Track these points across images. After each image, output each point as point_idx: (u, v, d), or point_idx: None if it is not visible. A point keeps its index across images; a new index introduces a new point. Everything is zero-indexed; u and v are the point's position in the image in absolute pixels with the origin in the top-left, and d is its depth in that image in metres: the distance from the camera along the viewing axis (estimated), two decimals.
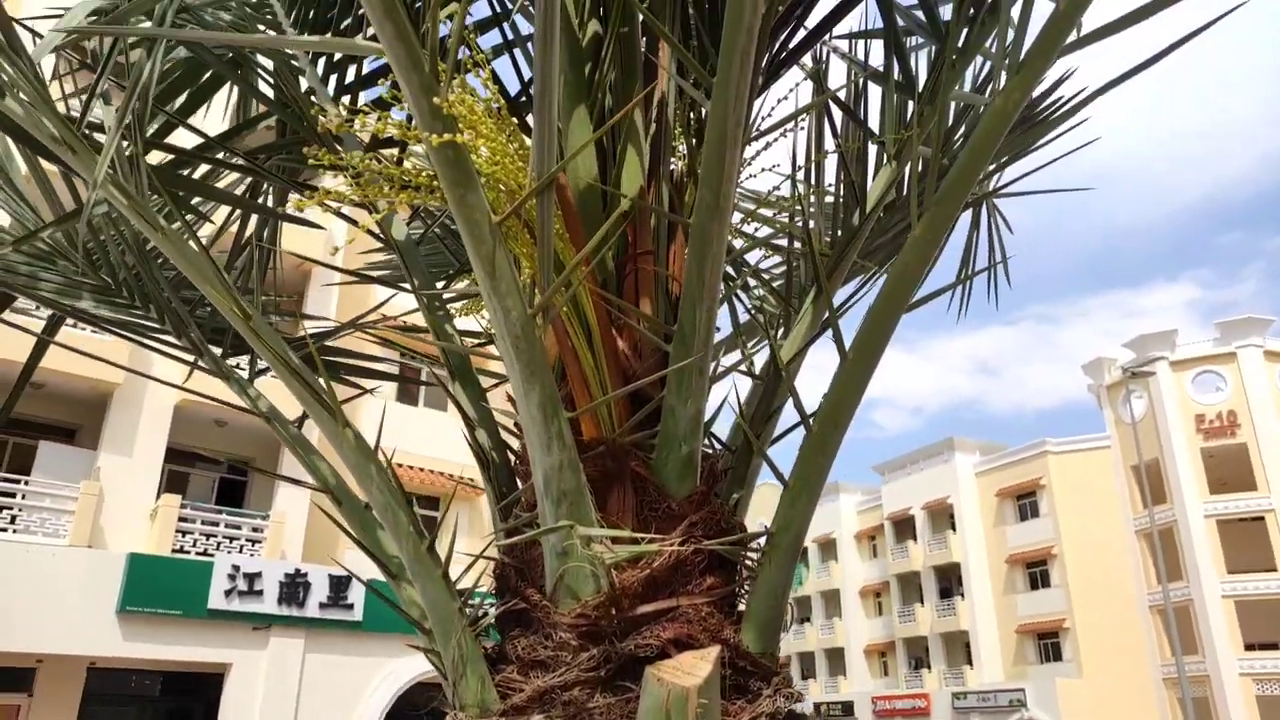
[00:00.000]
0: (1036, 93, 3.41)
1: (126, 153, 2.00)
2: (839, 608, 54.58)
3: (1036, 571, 44.71)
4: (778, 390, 2.10)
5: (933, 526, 49.05)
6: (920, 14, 2.54)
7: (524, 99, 2.39)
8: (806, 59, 2.84)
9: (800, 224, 2.64)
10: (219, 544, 18.17)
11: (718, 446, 2.08)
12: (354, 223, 2.21)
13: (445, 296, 2.34)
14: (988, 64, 2.55)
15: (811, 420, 1.79)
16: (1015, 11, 2.01)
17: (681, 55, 1.70)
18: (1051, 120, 3.37)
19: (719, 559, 1.77)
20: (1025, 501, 45.83)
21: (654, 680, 1.49)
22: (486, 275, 1.55)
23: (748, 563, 1.82)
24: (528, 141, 1.82)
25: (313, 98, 2.62)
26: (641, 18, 2.26)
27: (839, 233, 2.33)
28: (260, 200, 2.73)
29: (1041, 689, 41.02)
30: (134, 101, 1.85)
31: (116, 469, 17.35)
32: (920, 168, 1.93)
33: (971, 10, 2.40)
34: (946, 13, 2.58)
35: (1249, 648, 36.77)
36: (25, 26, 2.21)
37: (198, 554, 17.62)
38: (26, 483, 16.33)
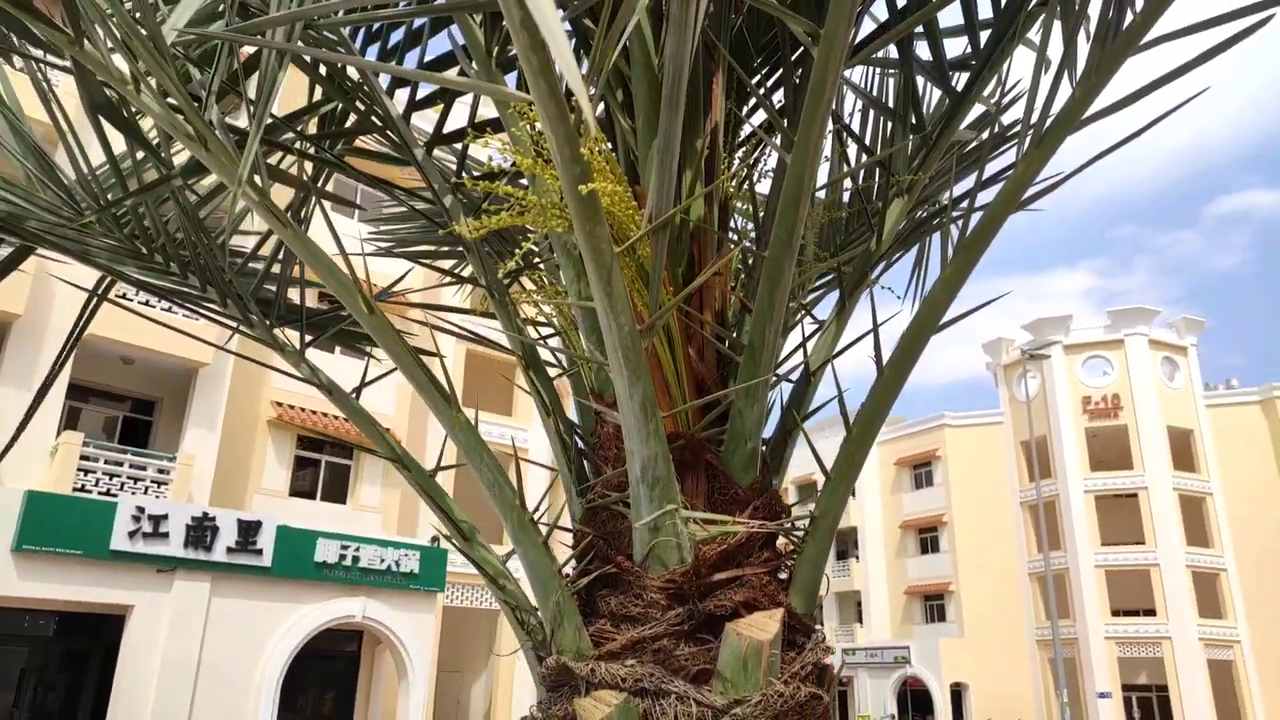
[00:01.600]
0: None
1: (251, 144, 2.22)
2: None
3: (927, 537, 47.18)
4: (806, 394, 2.48)
5: None
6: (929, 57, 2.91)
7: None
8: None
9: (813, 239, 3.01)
10: (123, 484, 17.82)
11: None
12: (440, 225, 2.47)
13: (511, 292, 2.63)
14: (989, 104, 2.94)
15: (853, 422, 2.17)
16: (1032, 80, 2.39)
17: (772, 117, 2.03)
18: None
19: (769, 536, 2.14)
20: (921, 471, 48.13)
21: (734, 634, 1.87)
22: (604, 295, 1.86)
23: (794, 539, 2.20)
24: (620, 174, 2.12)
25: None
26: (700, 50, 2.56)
27: (851, 243, 2.72)
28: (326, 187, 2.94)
29: (925, 647, 43.54)
30: (264, 111, 2.08)
31: (13, 403, 16.77)
32: (950, 212, 2.32)
33: (975, 62, 2.79)
34: (953, 47, 2.94)
35: (1115, 613, 39.83)
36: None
37: (100, 494, 17.25)
38: None
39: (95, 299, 2.97)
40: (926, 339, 2.15)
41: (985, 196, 2.88)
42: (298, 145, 2.78)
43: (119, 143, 2.84)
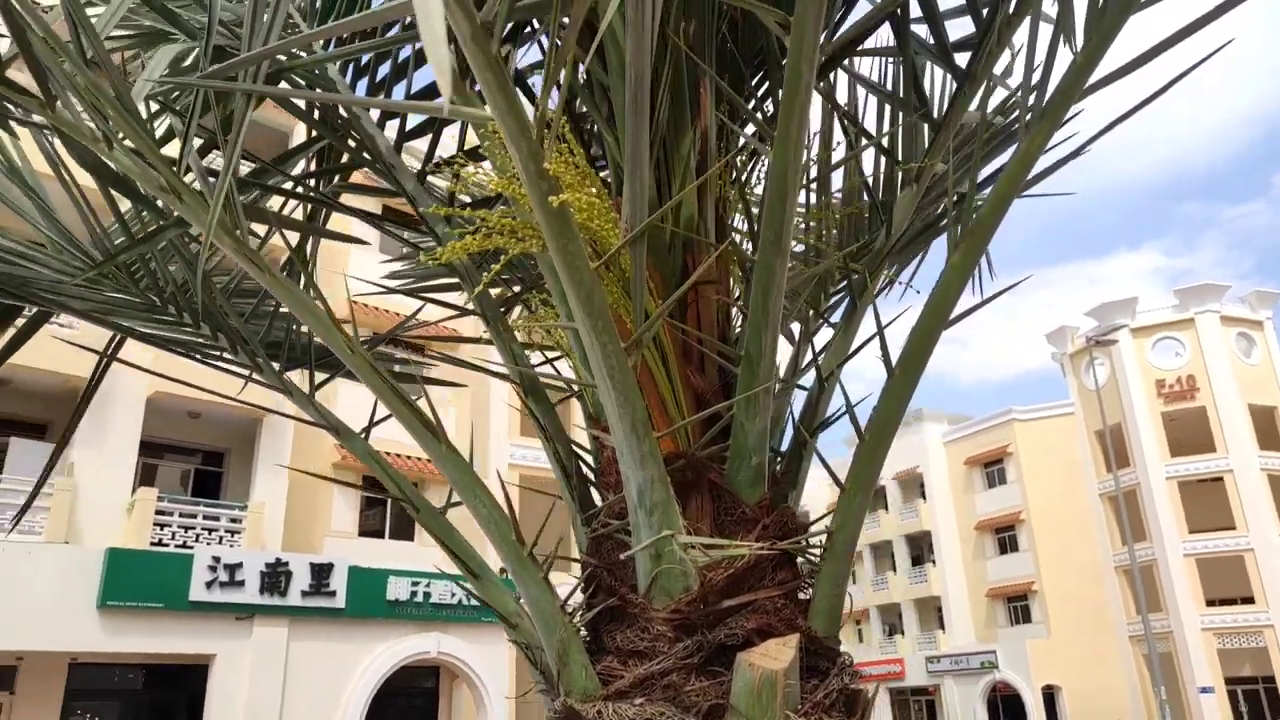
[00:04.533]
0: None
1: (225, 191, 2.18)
2: None
3: (1005, 537, 45.87)
4: (820, 400, 2.35)
5: (903, 496, 50.06)
6: (931, 39, 2.76)
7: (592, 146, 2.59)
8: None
9: (832, 240, 2.87)
10: (197, 535, 18.18)
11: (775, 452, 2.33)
12: (415, 248, 2.40)
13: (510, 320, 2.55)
14: (997, 88, 2.79)
15: (864, 430, 2.03)
16: (1026, 50, 2.24)
17: (740, 106, 1.92)
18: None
19: (786, 556, 2.01)
20: (993, 469, 46.90)
21: (746, 665, 1.74)
22: (585, 315, 1.77)
23: (811, 558, 2.07)
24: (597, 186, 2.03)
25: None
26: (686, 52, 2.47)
27: (866, 249, 2.58)
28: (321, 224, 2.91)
29: (1012, 650, 42.23)
30: (236, 154, 2.03)
31: (90, 463, 17.25)
32: (953, 198, 2.17)
33: (980, 39, 2.63)
34: (955, 29, 2.79)
35: (1210, 603, 38.13)
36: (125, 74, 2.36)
37: (177, 546, 17.63)
38: None
39: (106, 359, 2.96)
40: (937, 335, 2.01)
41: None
42: (290, 186, 2.75)
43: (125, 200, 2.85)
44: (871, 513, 51.05)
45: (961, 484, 47.84)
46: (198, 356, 3.06)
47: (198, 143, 2.44)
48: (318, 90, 2.66)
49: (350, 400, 18.28)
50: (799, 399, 2.42)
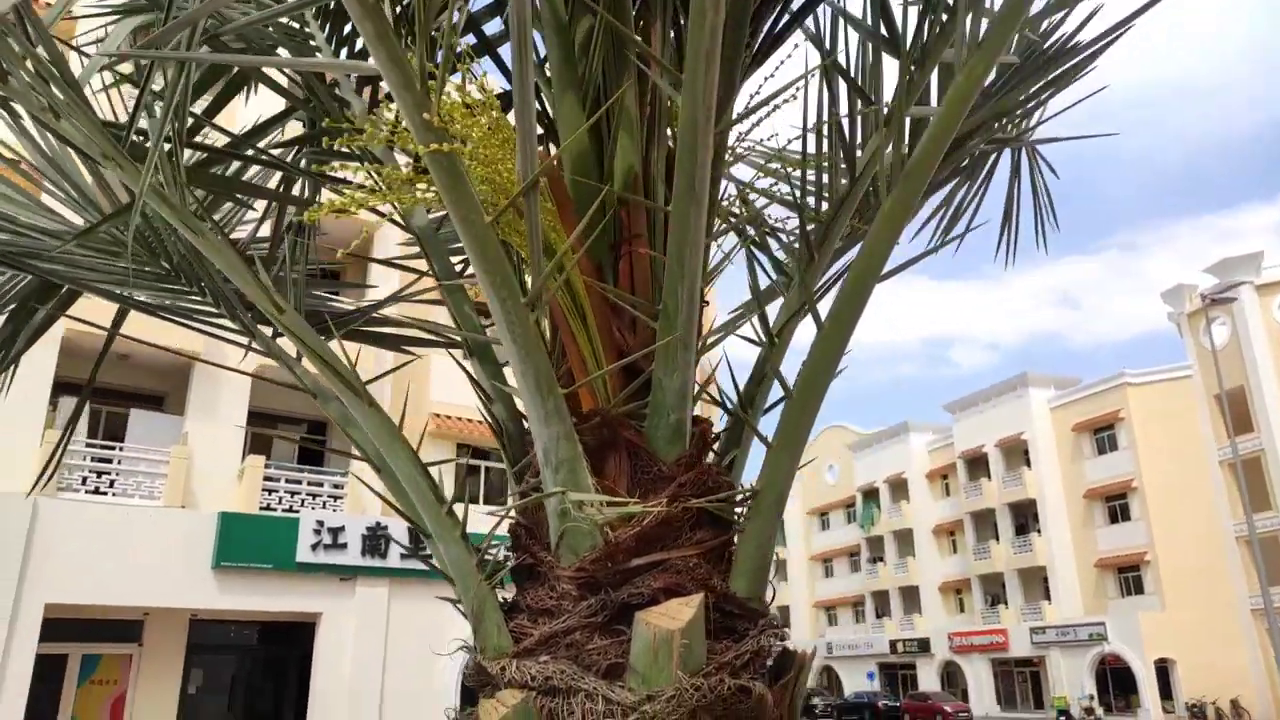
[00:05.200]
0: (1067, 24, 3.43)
1: (168, 154, 2.22)
2: (912, 547, 54.51)
3: (1115, 505, 43.93)
4: (769, 356, 2.25)
5: (1007, 463, 48.41)
6: None
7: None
8: (809, 22, 2.91)
9: (806, 186, 2.75)
10: (303, 501, 19.02)
11: (723, 409, 2.25)
12: (381, 214, 2.40)
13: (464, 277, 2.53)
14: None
15: (792, 387, 1.93)
16: None
17: (647, 54, 1.84)
18: (1075, 53, 3.39)
19: (710, 515, 1.94)
20: (1103, 435, 44.87)
21: (642, 624, 1.69)
22: (482, 270, 1.73)
23: (732, 517, 1.99)
24: None
25: (338, 92, 2.82)
26: (635, 7, 2.38)
27: (828, 200, 2.44)
28: (294, 190, 2.95)
29: (1123, 622, 40.58)
30: (170, 118, 2.06)
31: (203, 433, 18.23)
32: (891, 140, 2.02)
33: None
34: None
35: None
36: (74, 48, 2.44)
37: (284, 511, 18.50)
38: (121, 449, 17.32)
39: (111, 333, 3.08)
40: (869, 288, 1.88)
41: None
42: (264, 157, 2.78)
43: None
44: (973, 480, 49.67)
45: (1069, 451, 45.94)
46: (201, 326, 3.16)
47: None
48: (277, 55, 2.68)
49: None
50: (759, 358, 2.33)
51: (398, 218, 2.49)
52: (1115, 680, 41.77)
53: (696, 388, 2.12)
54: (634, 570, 1.81)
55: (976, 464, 50.60)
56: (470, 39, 2.81)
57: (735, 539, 1.96)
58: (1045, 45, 3.41)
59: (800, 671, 1.97)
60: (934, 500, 53.72)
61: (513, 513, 2.09)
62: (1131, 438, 42.83)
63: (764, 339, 2.23)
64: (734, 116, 2.64)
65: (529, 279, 1.80)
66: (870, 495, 57.84)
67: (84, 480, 16.70)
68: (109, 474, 17.01)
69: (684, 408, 1.93)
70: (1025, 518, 47.46)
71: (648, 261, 2.08)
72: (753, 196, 3.07)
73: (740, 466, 2.17)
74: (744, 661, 1.77)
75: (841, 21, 2.64)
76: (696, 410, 2.35)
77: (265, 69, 2.87)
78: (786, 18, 2.75)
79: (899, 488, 55.90)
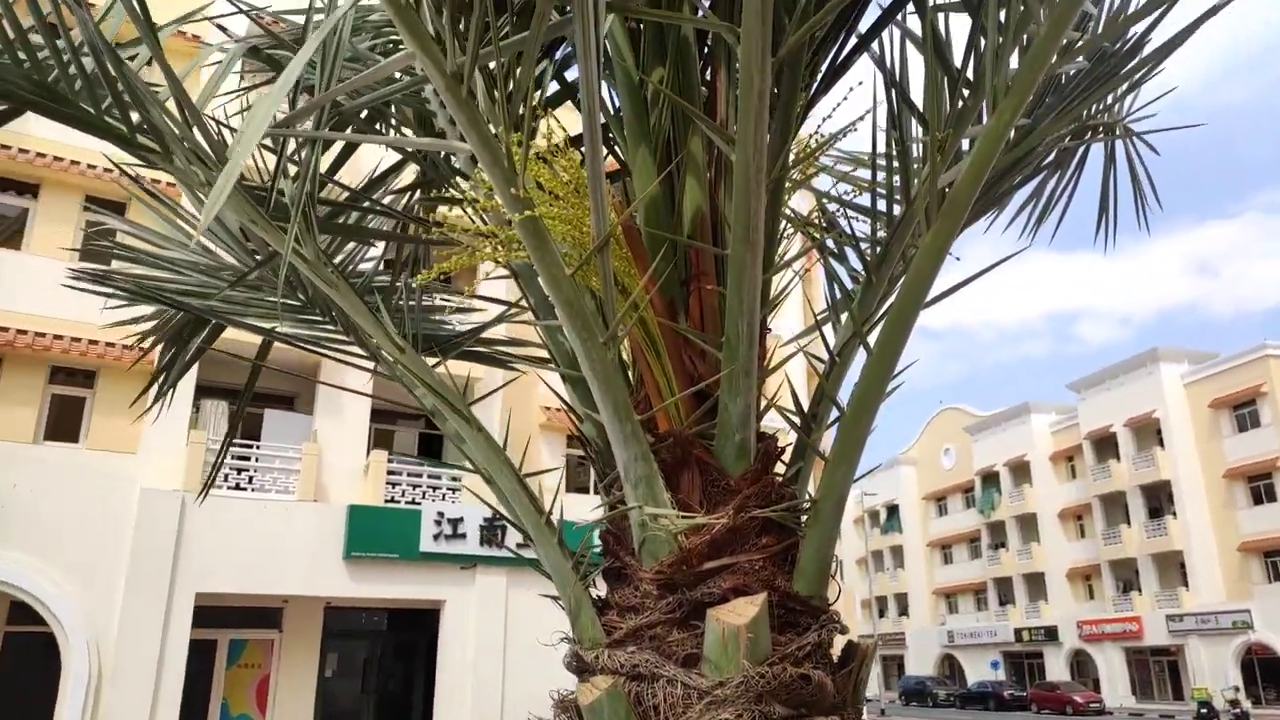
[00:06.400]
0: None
1: (303, 215, 2.60)
2: (1036, 532, 52.75)
3: (1260, 485, 41.47)
4: (832, 377, 2.47)
5: (1137, 443, 46.29)
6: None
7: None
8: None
9: (875, 209, 2.94)
10: (424, 493, 19.98)
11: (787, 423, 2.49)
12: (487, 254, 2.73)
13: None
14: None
15: (846, 405, 2.16)
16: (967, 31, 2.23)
17: (708, 128, 2.09)
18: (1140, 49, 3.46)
19: (774, 523, 2.19)
20: (1244, 411, 42.38)
21: (713, 620, 1.96)
22: (565, 315, 2.02)
23: (794, 525, 2.23)
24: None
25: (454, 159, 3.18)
26: (701, 51, 2.63)
27: (885, 226, 2.63)
28: (406, 231, 3.33)
29: (1271, 609, 38.41)
30: (305, 189, 2.43)
31: (331, 430, 19.37)
32: (923, 178, 2.19)
33: None
34: None
35: None
36: (223, 125, 2.86)
37: (407, 503, 19.49)
38: (258, 447, 18.58)
39: (257, 365, 3.54)
40: (913, 316, 2.09)
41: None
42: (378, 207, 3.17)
43: None
44: (1101, 462, 47.69)
45: (1206, 429, 43.58)
46: (330, 352, 3.57)
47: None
48: (395, 132, 3.05)
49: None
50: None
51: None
52: (1264, 671, 39.59)
53: (764, 403, 2.37)
54: (706, 573, 2.08)
55: (1104, 445, 48.54)
56: (555, 85, 3.12)
57: (798, 543, 2.21)
58: (1116, 46, 3.50)
59: (862, 662, 2.20)
60: (1059, 483, 51.82)
61: (602, 521, 2.38)
62: (1276, 413, 40.34)
63: (827, 361, 2.46)
64: (808, 137, 2.86)
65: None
66: (990, 479, 56.23)
67: (225, 477, 18.00)
68: (247, 470, 18.28)
69: (747, 428, 2.18)
70: (1159, 500, 45.30)
71: (716, 296, 2.33)
72: (831, 207, 3.28)
73: (806, 476, 2.40)
74: (805, 652, 2.01)
75: (898, 50, 2.81)
76: (774, 422, 2.60)
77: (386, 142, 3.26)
78: (849, 48, 2.95)
79: (1020, 471, 54.15)
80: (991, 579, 55.75)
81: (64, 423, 17.58)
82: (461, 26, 1.98)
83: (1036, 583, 52.85)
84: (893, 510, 66.54)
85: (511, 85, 2.01)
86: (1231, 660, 39.80)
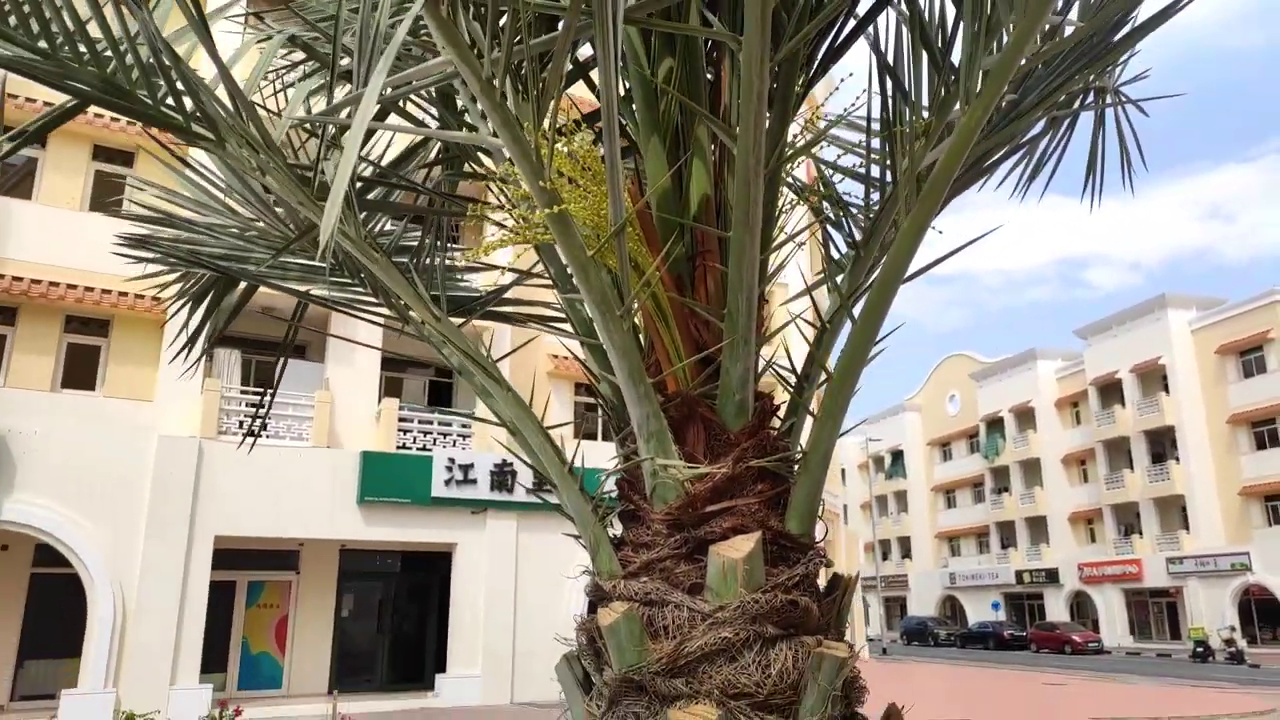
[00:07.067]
0: None
1: (345, 198, 2.88)
2: (1039, 476, 53.45)
3: (1264, 431, 41.92)
4: (823, 340, 2.77)
5: (1143, 389, 46.66)
6: None
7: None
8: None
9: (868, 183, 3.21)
10: (435, 439, 20.46)
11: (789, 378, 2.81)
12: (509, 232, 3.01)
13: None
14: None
15: (832, 369, 2.47)
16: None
17: (712, 124, 2.36)
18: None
19: (769, 471, 2.51)
20: (1250, 357, 42.64)
21: (715, 554, 2.30)
22: (585, 291, 2.32)
23: (792, 472, 2.56)
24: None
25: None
26: (708, 44, 2.88)
27: (874, 201, 2.91)
28: (438, 209, 3.60)
29: (1270, 552, 39.13)
30: (344, 174, 2.71)
31: (342, 378, 19.77)
32: (903, 162, 2.46)
33: None
34: None
35: None
36: (272, 113, 3.12)
37: (418, 449, 19.97)
38: (272, 394, 18.99)
39: (295, 323, 3.84)
40: (893, 290, 2.38)
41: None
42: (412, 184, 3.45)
43: None
44: (1105, 408, 48.12)
45: (1212, 375, 43.89)
46: (362, 313, 3.87)
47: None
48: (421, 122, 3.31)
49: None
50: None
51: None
52: (1261, 612, 40.43)
53: (763, 365, 2.68)
54: (709, 515, 2.40)
55: (1109, 391, 48.93)
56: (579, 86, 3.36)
57: (790, 489, 2.53)
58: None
59: (845, 590, 2.54)
60: (1063, 429, 52.36)
61: (619, 470, 2.71)
62: None
63: (818, 327, 2.76)
64: (815, 109, 3.12)
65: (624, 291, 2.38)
66: (994, 425, 56.82)
67: (240, 424, 18.44)
68: (262, 418, 18.72)
69: (746, 389, 2.49)
70: (1163, 445, 45.83)
71: (720, 271, 2.62)
72: (832, 177, 3.55)
73: (799, 430, 2.71)
74: (794, 582, 2.34)
75: (892, 30, 3.05)
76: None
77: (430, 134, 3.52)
78: (845, 32, 3.19)
79: (1025, 417, 54.69)
80: (994, 523, 56.67)
81: (80, 371, 18.01)
82: (491, 30, 2.24)
83: (1038, 526, 53.73)
84: (897, 456, 67.30)
85: (538, 82, 2.28)
86: (1229, 601, 40.65)
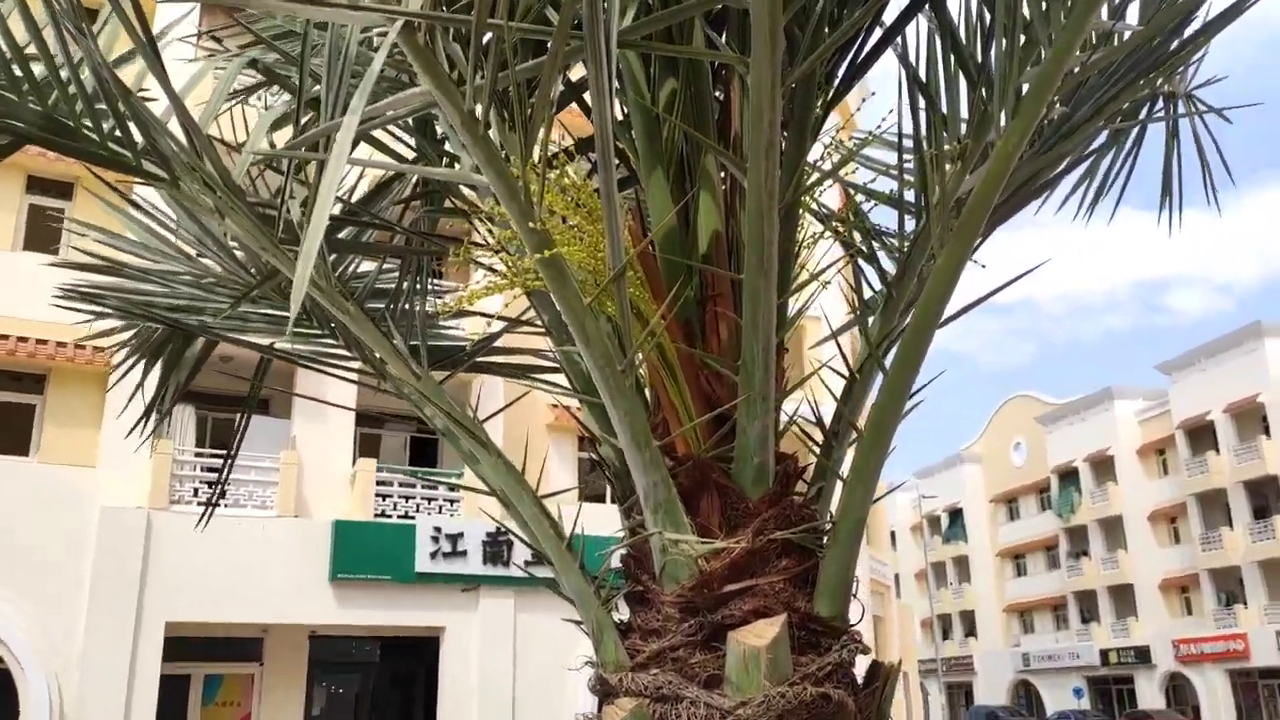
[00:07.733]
0: None
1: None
2: (1122, 537, 52.86)
3: None
4: (853, 391, 2.82)
5: (1239, 433, 46.25)
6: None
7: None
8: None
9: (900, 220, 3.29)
10: (418, 505, 20.43)
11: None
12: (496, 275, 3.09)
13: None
14: None
15: (863, 427, 2.51)
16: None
17: (720, 155, 2.43)
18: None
19: (794, 544, 2.55)
20: None
21: (734, 642, 2.33)
22: (583, 343, 2.39)
23: (814, 546, 2.59)
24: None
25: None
26: (712, 72, 2.98)
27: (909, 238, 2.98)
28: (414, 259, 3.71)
29: None
30: (314, 222, 2.80)
31: (311, 436, 19.83)
32: (933, 200, 2.52)
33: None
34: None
35: None
36: (232, 147, 3.23)
37: (399, 517, 19.95)
38: (231, 458, 19.06)
39: (258, 381, 3.92)
40: (929, 335, 2.44)
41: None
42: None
43: None
44: (1196, 456, 47.71)
45: None
46: (332, 370, 3.95)
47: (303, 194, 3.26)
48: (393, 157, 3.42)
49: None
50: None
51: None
52: None
53: (785, 421, 2.73)
54: (726, 595, 2.44)
55: (1200, 435, 48.53)
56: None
57: (819, 564, 2.56)
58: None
59: (886, 681, 2.56)
60: (1148, 480, 51.87)
61: (623, 546, 2.75)
62: None
63: (853, 375, 2.82)
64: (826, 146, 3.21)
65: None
66: (1068, 477, 56.36)
67: (195, 491, 18.50)
68: (220, 484, 18.77)
69: (766, 451, 2.54)
70: (1265, 498, 45.29)
71: (732, 319, 2.68)
72: (864, 203, 3.62)
73: (829, 495, 2.75)
74: (826, 672, 2.37)
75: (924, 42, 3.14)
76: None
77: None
78: (870, 45, 3.28)
79: (1103, 467, 54.23)
80: (1071, 593, 55.94)
81: (11, 433, 18.14)
82: (474, 55, 2.33)
83: (1124, 596, 52.98)
84: (955, 515, 66.73)
85: (525, 112, 2.36)
86: None
